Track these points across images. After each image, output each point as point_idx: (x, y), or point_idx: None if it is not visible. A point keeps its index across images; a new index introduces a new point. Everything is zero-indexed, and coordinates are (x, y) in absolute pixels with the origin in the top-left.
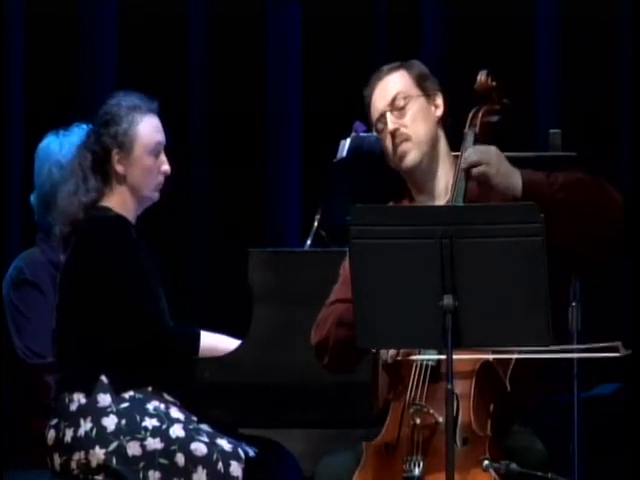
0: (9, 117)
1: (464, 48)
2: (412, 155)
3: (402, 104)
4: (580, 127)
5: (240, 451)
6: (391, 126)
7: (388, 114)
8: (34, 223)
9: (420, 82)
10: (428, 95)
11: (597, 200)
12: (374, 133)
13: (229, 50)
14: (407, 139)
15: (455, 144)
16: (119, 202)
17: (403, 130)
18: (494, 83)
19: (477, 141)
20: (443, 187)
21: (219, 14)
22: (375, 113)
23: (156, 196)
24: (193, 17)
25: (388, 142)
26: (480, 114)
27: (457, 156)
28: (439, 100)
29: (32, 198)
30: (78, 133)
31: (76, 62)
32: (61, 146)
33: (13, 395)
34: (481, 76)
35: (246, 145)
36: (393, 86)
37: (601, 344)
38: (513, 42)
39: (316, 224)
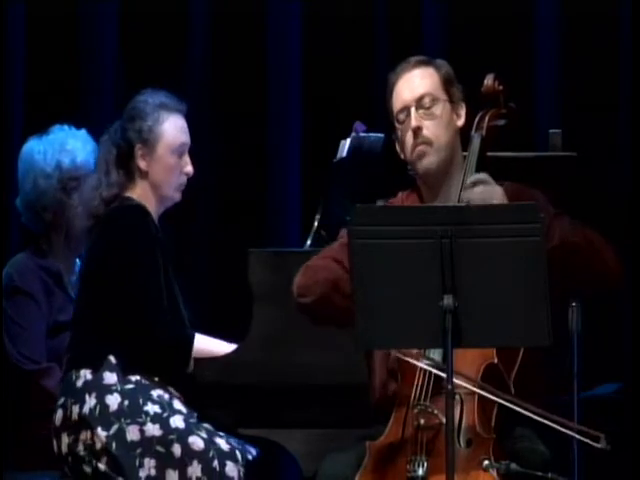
0: (9, 117)
1: (464, 48)
2: (430, 158)
3: (428, 105)
4: (580, 127)
5: (238, 453)
6: (414, 123)
7: (413, 109)
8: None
9: (447, 86)
10: (453, 102)
11: (592, 268)
12: (395, 124)
13: (229, 50)
14: (428, 142)
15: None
16: (141, 196)
17: (425, 132)
18: (501, 87)
19: (483, 144)
20: (455, 194)
21: (219, 13)
22: (398, 103)
23: (177, 196)
24: (193, 16)
25: (408, 137)
26: (487, 118)
27: (464, 157)
28: (462, 111)
29: (18, 202)
30: (58, 135)
31: (76, 62)
32: (45, 153)
33: (10, 400)
34: (488, 80)
35: (246, 145)
36: (422, 83)
37: (586, 429)
38: (513, 42)
39: (316, 224)
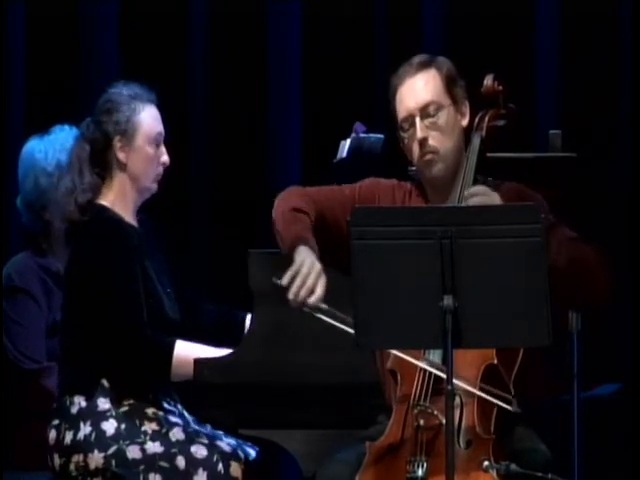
0: (9, 117)
1: (464, 48)
2: (437, 167)
3: (433, 113)
4: (580, 127)
5: (240, 452)
6: (420, 134)
7: (417, 119)
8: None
9: (450, 87)
10: (457, 103)
11: (580, 293)
12: (399, 132)
13: (229, 50)
14: (434, 151)
15: None
16: (118, 194)
17: (431, 142)
18: (500, 87)
19: (483, 145)
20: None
21: (219, 13)
22: (402, 111)
23: (155, 187)
24: (193, 16)
25: (415, 147)
26: (487, 118)
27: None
28: (466, 109)
29: (18, 202)
30: (59, 135)
31: (76, 62)
32: (46, 153)
33: (10, 399)
34: (488, 80)
35: (246, 145)
36: (425, 90)
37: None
38: (513, 42)
39: None
